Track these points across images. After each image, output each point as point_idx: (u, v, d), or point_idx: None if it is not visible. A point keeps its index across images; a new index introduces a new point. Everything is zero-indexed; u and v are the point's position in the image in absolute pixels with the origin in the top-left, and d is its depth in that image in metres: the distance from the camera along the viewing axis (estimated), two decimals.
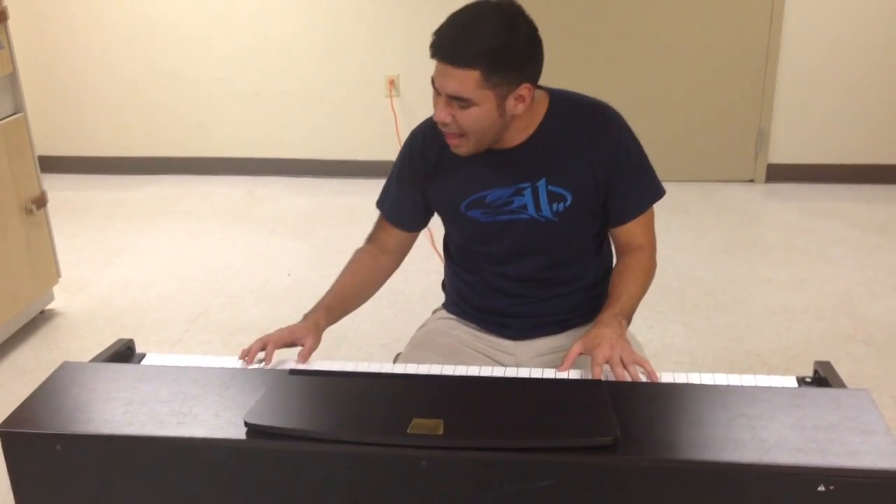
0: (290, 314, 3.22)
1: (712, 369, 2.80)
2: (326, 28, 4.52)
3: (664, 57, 4.35)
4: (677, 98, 4.40)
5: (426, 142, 1.70)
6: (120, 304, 3.38)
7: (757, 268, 3.54)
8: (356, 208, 4.27)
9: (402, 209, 1.77)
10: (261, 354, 1.57)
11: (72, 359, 2.99)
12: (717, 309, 3.20)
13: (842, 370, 2.94)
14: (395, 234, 1.79)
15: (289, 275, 3.59)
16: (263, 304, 3.35)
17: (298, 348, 1.60)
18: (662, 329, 3.04)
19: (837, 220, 3.97)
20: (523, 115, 1.59)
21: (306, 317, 1.68)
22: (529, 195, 1.64)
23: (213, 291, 3.47)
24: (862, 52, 4.21)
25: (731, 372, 2.77)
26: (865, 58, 4.21)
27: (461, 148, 1.59)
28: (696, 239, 3.81)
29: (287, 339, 1.59)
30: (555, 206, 1.64)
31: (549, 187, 1.63)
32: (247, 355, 1.56)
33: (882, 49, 4.18)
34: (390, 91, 4.54)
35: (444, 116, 1.54)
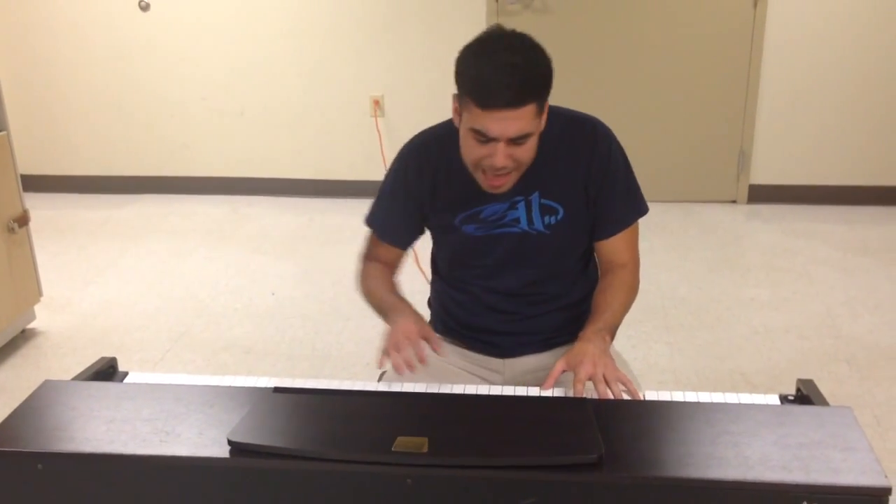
0: (275, 334, 3.23)
1: (696, 388, 2.81)
2: (311, 48, 4.54)
3: (646, 79, 4.39)
4: (660, 120, 4.44)
5: (421, 160, 1.69)
6: (102, 324, 3.36)
7: (740, 287, 3.56)
8: (341, 228, 4.27)
9: (397, 227, 1.76)
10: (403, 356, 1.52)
11: (53, 378, 2.98)
12: (701, 328, 3.21)
13: (824, 389, 2.95)
14: (390, 251, 1.79)
15: (273, 294, 3.58)
16: (247, 324, 3.33)
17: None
18: (646, 348, 3.05)
19: (819, 241, 4.01)
20: None
21: (399, 310, 1.63)
22: (522, 208, 1.65)
23: (196, 311, 3.45)
24: (842, 75, 4.27)
25: (715, 391, 2.78)
26: (845, 80, 4.27)
27: (506, 185, 1.58)
28: (680, 259, 3.83)
29: (421, 331, 1.56)
30: (547, 218, 1.65)
31: (542, 200, 1.65)
32: (394, 361, 1.50)
33: (862, 71, 4.25)
34: (375, 111, 4.56)
35: (505, 161, 1.52)
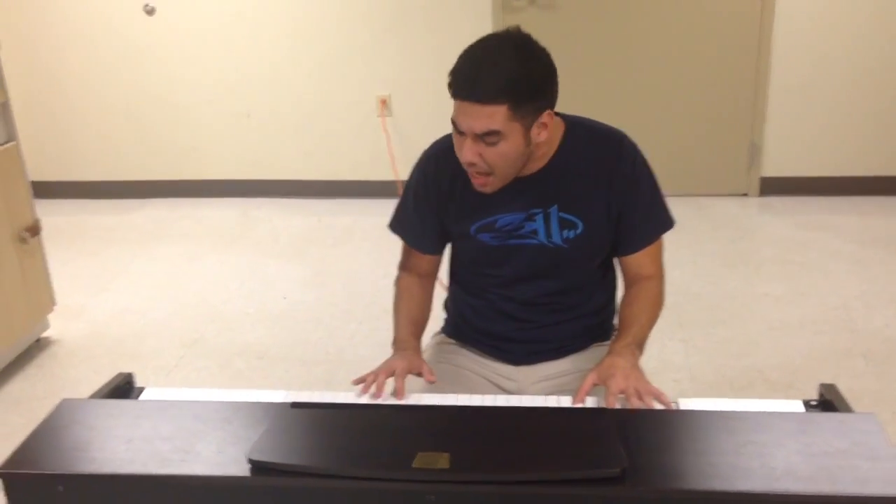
0: (287, 338, 3.23)
1: (712, 386, 2.80)
2: (317, 49, 4.53)
3: (654, 72, 4.36)
4: (669, 113, 4.41)
5: (439, 166, 1.68)
6: (116, 331, 3.36)
7: (754, 283, 3.54)
8: (350, 228, 4.26)
9: (427, 235, 1.75)
10: (389, 387, 1.54)
11: (68, 388, 2.99)
12: (716, 325, 3.19)
13: (841, 385, 2.92)
14: (426, 259, 1.78)
15: (284, 298, 3.58)
16: (260, 329, 3.33)
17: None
18: (661, 346, 3.03)
19: (832, 233, 3.98)
20: (542, 143, 1.57)
21: (401, 348, 1.65)
22: (541, 221, 1.63)
23: (208, 316, 3.45)
24: (853, 64, 4.23)
25: (732, 388, 2.77)
26: (856, 69, 4.24)
27: (487, 186, 1.57)
28: (692, 254, 3.81)
29: (411, 368, 1.58)
30: (565, 232, 1.63)
31: (561, 214, 1.63)
32: (367, 385, 1.53)
33: (872, 60, 4.21)
34: (382, 111, 4.55)
35: (471, 156, 1.51)
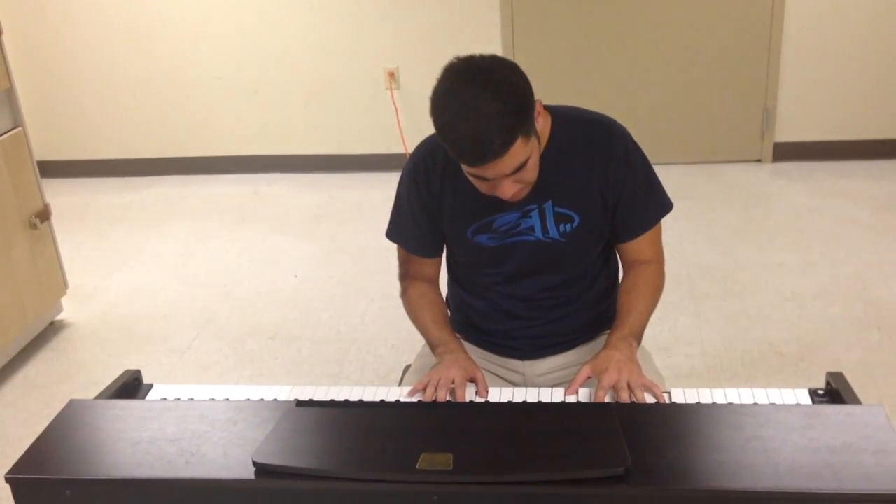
0: (299, 317, 3.24)
1: (723, 361, 2.79)
2: (324, 22, 4.48)
3: (664, 35, 4.29)
4: (681, 78, 4.34)
5: (428, 170, 1.65)
6: (128, 313, 3.38)
7: (767, 252, 3.50)
8: (360, 203, 4.25)
9: (427, 239, 1.72)
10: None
11: (83, 371, 3.02)
12: (728, 297, 3.17)
13: (854, 357, 2.91)
14: (429, 263, 1.75)
15: (296, 276, 3.58)
16: (272, 309, 3.34)
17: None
18: (672, 320, 3.02)
19: (847, 199, 3.93)
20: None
21: (449, 350, 1.62)
22: (536, 216, 1.61)
23: (220, 296, 3.46)
24: (866, 26, 4.14)
25: (743, 364, 2.77)
26: (870, 32, 4.15)
27: (522, 195, 1.53)
28: (705, 224, 3.77)
29: (467, 376, 1.55)
30: (562, 226, 1.61)
31: (556, 209, 1.60)
32: (422, 391, 1.52)
33: (887, 22, 4.12)
34: (390, 84, 4.50)
35: (513, 191, 1.48)
